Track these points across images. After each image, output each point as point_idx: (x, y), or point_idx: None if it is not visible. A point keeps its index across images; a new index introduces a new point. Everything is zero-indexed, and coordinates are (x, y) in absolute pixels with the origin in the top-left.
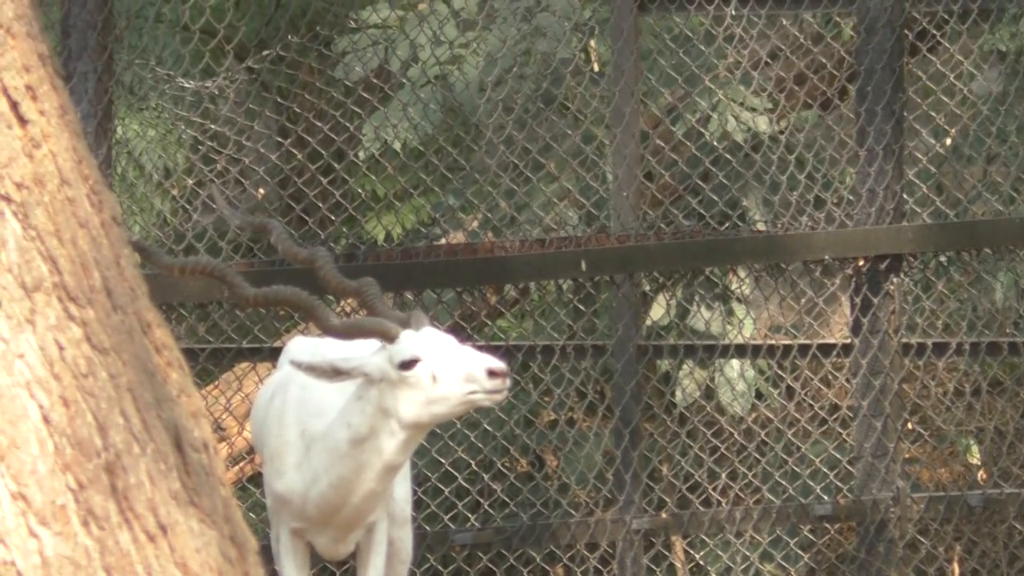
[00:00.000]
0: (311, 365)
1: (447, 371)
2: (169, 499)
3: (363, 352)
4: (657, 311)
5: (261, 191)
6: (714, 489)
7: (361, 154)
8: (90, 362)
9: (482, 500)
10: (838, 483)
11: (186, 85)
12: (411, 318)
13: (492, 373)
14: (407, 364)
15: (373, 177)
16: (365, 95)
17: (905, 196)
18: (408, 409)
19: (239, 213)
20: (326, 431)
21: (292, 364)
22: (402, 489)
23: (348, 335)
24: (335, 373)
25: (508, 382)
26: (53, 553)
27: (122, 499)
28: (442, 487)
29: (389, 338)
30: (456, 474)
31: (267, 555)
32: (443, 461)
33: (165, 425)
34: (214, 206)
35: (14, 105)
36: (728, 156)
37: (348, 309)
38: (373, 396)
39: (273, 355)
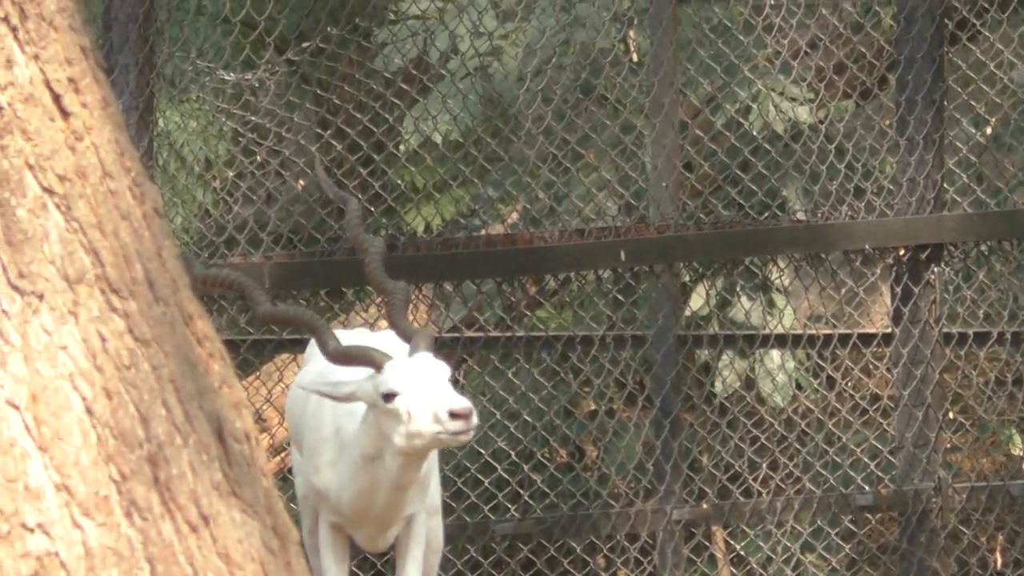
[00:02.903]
0: (318, 389)
1: (418, 409)
2: (211, 490)
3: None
4: (696, 301)
5: (301, 183)
6: (755, 479)
7: (401, 147)
8: (132, 354)
9: (522, 491)
10: (879, 473)
11: (227, 77)
12: (416, 337)
13: (454, 415)
14: (388, 396)
15: (412, 168)
16: (404, 86)
17: (945, 185)
18: (396, 438)
19: (332, 184)
20: (349, 443)
21: (300, 388)
22: (432, 479)
23: (341, 362)
24: (336, 397)
25: (472, 422)
26: (96, 544)
27: (164, 490)
28: (482, 478)
29: (376, 367)
30: (496, 465)
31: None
32: (483, 452)
33: (207, 416)
34: (311, 173)
35: (57, 98)
36: (767, 146)
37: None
38: (371, 419)
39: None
